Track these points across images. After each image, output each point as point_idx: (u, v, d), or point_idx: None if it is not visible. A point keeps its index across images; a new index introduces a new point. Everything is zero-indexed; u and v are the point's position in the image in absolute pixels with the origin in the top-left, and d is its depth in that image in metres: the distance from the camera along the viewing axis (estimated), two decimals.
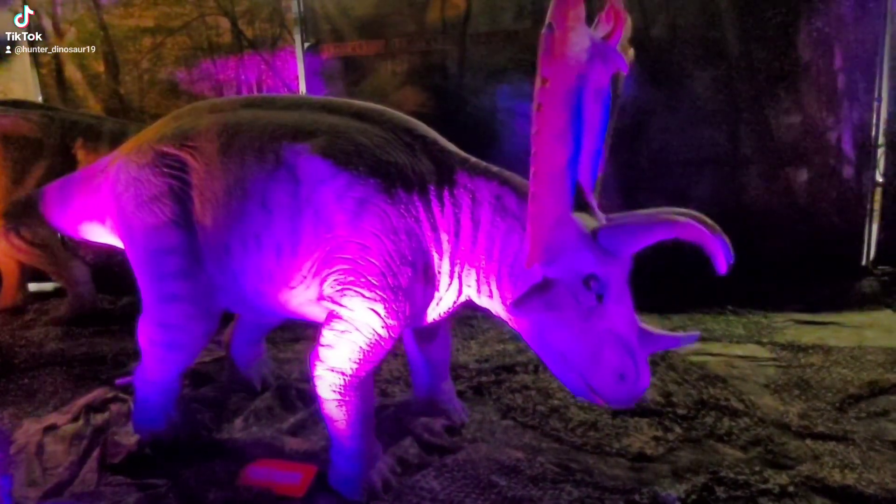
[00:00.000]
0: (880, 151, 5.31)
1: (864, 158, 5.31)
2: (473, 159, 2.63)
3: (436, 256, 2.54)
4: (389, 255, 2.46)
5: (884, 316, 4.69)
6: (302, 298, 2.69)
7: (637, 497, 2.62)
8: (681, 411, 3.29)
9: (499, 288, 2.48)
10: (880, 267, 5.44)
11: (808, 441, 3.02)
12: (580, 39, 2.06)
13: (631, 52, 2.46)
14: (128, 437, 3.13)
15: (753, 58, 5.30)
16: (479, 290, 2.56)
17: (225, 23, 5.84)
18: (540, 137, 2.12)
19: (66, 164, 4.74)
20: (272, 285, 2.69)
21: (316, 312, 2.72)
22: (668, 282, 5.12)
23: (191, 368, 3.90)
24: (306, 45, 5.82)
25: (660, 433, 3.12)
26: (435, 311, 2.71)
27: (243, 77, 5.89)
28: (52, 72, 6.01)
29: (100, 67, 5.97)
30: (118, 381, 3.74)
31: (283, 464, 2.87)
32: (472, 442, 3.05)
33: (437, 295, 2.63)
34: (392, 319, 2.51)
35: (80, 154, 4.85)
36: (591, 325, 2.29)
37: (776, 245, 5.47)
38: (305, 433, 3.20)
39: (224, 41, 5.85)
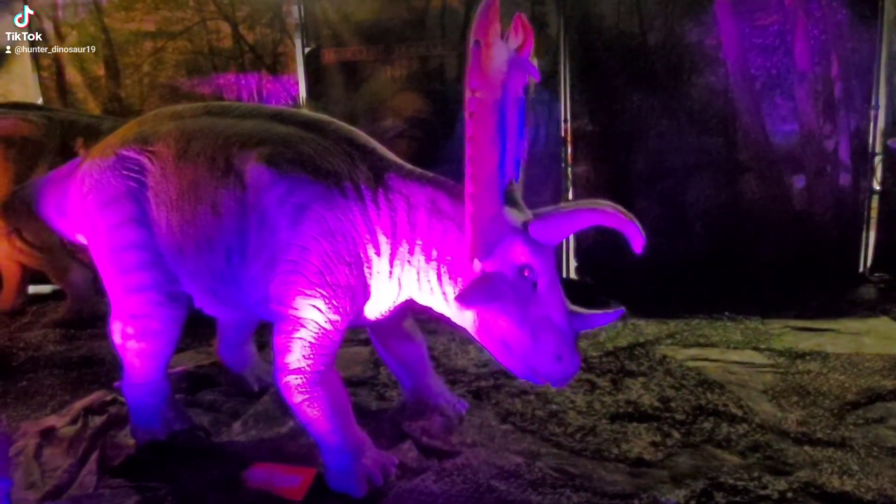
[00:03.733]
0: (877, 159, 5.34)
1: (861, 166, 5.34)
2: (409, 166, 2.77)
3: (374, 257, 2.68)
4: (327, 255, 2.61)
5: (881, 323, 4.71)
6: (251, 299, 2.81)
7: (636, 502, 2.63)
8: (679, 417, 3.30)
9: (440, 285, 2.62)
10: (877, 274, 5.47)
11: (807, 447, 3.03)
12: (500, 52, 2.29)
13: (536, 61, 2.70)
14: (126, 440, 3.13)
15: (750, 65, 5.34)
16: (420, 288, 2.69)
17: (226, 27, 5.86)
18: (475, 142, 2.32)
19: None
20: (224, 285, 2.81)
21: (265, 312, 2.82)
22: (665, 288, 5.15)
23: (188, 372, 3.92)
24: (306, 49, 5.84)
25: (658, 438, 3.12)
26: (376, 308, 2.82)
27: (243, 81, 5.90)
28: (52, 75, 6.02)
29: (100, 71, 5.99)
30: (116, 384, 3.73)
31: (282, 467, 2.87)
32: (471, 446, 3.05)
33: (375, 293, 2.75)
34: (333, 314, 2.64)
35: (82, 153, 4.85)
36: (528, 312, 2.47)
37: (773, 252, 5.49)
38: (304, 436, 3.20)
39: (225, 46, 5.88)
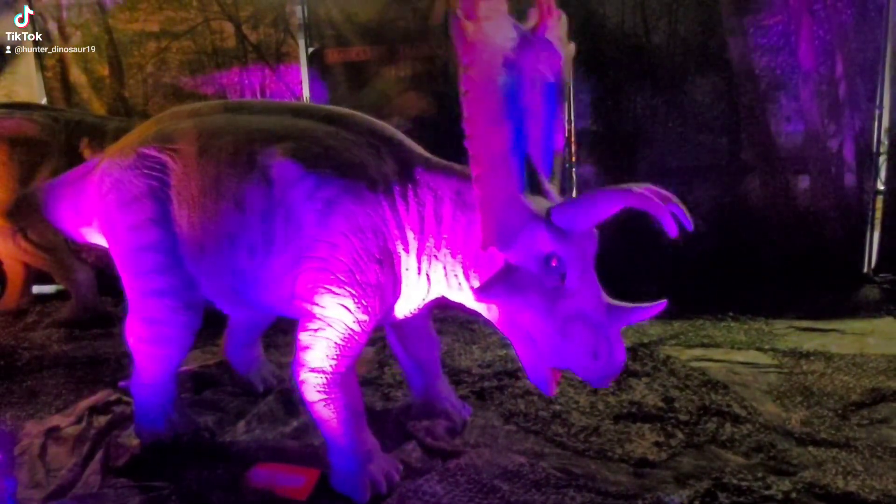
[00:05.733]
0: (881, 159, 5.33)
1: (865, 166, 5.33)
2: (435, 159, 2.71)
3: (402, 253, 2.62)
4: (357, 253, 2.55)
5: (885, 323, 4.70)
6: (275, 297, 2.77)
7: (640, 502, 2.63)
8: (683, 417, 3.30)
9: (467, 280, 2.56)
10: (881, 274, 5.45)
11: (811, 448, 3.03)
12: (500, 30, 2.21)
13: (571, 46, 2.62)
14: (130, 440, 3.14)
15: (754, 65, 5.33)
16: (448, 284, 2.63)
17: (229, 28, 5.87)
18: (472, 122, 2.23)
19: (72, 164, 4.68)
20: (245, 283, 2.77)
21: (289, 310, 2.78)
22: (669, 288, 5.13)
23: (193, 371, 3.93)
24: (310, 49, 5.84)
25: (662, 439, 3.12)
26: (405, 307, 2.78)
27: (247, 82, 5.91)
28: (56, 75, 6.03)
29: (104, 71, 6.00)
30: (121, 384, 3.74)
31: (286, 467, 2.87)
32: (474, 446, 3.05)
33: (405, 291, 2.70)
34: (362, 314, 2.59)
35: (87, 153, 4.86)
36: (557, 305, 2.33)
37: (777, 252, 5.48)
38: (308, 437, 3.20)
39: (228, 46, 5.88)
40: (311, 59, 5.86)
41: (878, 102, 5.24)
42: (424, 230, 2.59)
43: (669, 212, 2.08)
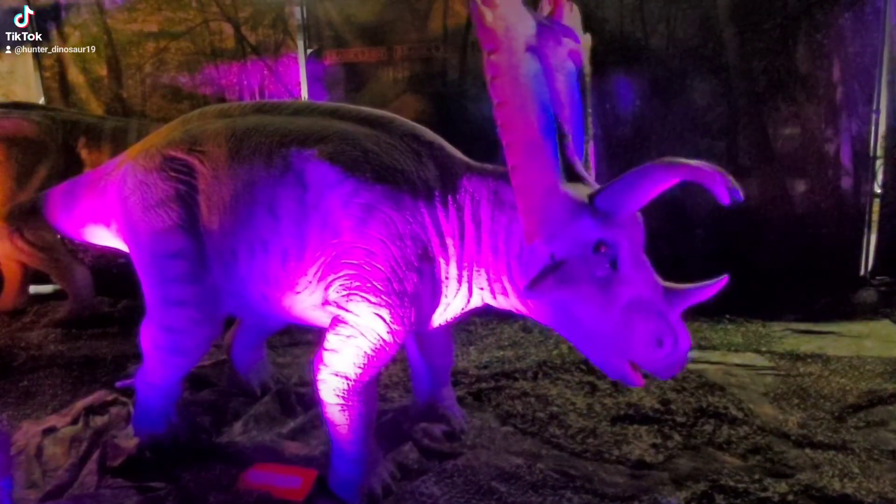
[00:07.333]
0: (878, 163, 5.34)
1: (862, 170, 5.34)
2: (472, 162, 2.65)
3: (442, 262, 2.55)
4: (395, 261, 2.47)
5: (882, 326, 4.71)
6: (307, 303, 2.70)
7: None
8: (680, 419, 3.30)
9: (510, 282, 2.48)
10: (878, 277, 5.47)
11: (808, 450, 3.03)
12: (518, 16, 2.21)
13: (587, 36, 2.61)
14: (127, 440, 3.12)
15: (752, 69, 5.34)
16: (492, 291, 2.55)
17: (228, 28, 5.87)
18: (504, 109, 2.19)
19: (69, 163, 4.75)
20: (277, 290, 2.70)
21: (320, 317, 2.73)
22: None
23: (191, 372, 3.92)
24: (309, 51, 5.85)
25: (659, 441, 3.12)
26: (442, 317, 2.72)
27: (246, 82, 5.91)
28: (55, 75, 6.03)
29: (103, 71, 6.00)
30: (118, 384, 3.74)
31: (282, 468, 2.86)
32: (471, 448, 3.05)
33: (444, 301, 2.64)
34: (397, 325, 2.51)
35: (84, 153, 4.87)
36: (612, 294, 2.25)
37: (774, 255, 5.49)
38: (305, 438, 3.20)
39: (227, 46, 5.88)
40: (310, 59, 5.86)
41: (875, 106, 5.25)
42: (465, 236, 2.51)
43: (719, 177, 2.00)
